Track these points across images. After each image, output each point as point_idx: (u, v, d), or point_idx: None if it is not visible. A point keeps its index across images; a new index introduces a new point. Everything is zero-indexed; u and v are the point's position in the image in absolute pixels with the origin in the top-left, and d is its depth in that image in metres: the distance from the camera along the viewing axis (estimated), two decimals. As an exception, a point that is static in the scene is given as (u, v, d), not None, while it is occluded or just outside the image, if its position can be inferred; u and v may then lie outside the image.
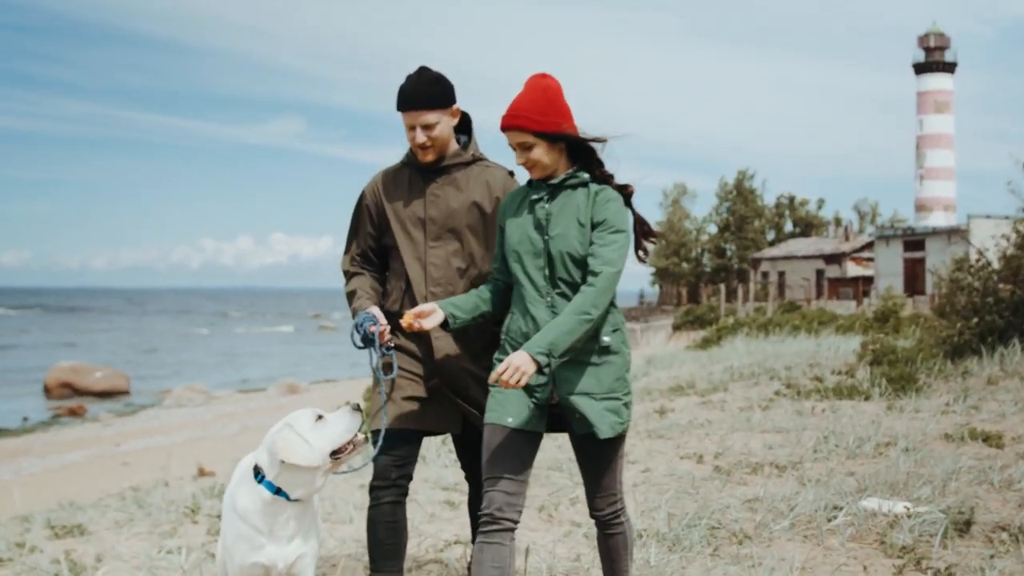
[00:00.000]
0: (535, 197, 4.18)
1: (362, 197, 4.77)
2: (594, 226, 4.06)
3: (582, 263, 4.05)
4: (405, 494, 4.54)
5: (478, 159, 4.65)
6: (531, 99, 4.10)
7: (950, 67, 71.89)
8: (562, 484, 7.41)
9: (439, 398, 4.54)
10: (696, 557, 5.42)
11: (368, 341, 4.39)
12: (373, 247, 4.73)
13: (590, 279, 3.99)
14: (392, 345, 4.51)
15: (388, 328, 4.45)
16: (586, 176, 4.13)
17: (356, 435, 4.01)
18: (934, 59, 71.91)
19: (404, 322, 4.23)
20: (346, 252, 4.78)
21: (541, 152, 4.08)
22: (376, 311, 4.49)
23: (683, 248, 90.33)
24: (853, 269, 67.97)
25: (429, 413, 4.54)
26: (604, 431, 4.01)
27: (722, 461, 8.12)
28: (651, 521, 6.15)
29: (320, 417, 4.01)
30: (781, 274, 72.12)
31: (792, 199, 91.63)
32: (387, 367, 4.47)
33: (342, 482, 8.24)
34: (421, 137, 4.49)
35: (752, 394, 12.56)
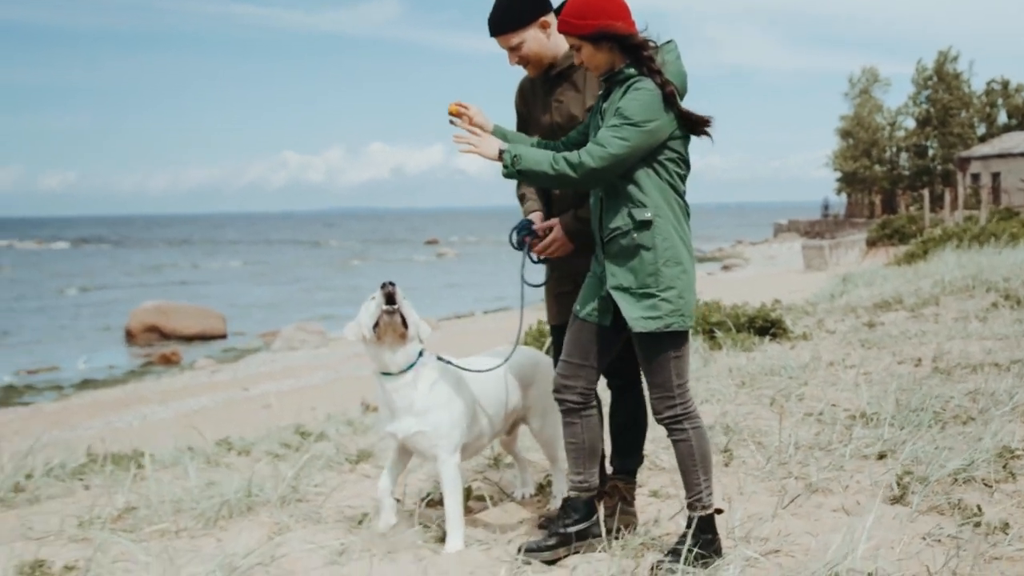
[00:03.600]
0: (599, 93, 5.08)
1: (515, 99, 5.75)
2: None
3: None
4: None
5: None
6: (574, 2, 4.84)
7: None
8: (784, 384, 9.42)
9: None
10: (924, 434, 7.35)
11: (523, 247, 5.46)
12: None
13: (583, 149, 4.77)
14: (542, 257, 5.52)
15: (540, 239, 5.39)
16: (632, 71, 4.82)
17: (381, 309, 5.28)
18: None
19: (451, 108, 5.20)
20: None
21: (588, 53, 4.85)
22: (536, 218, 5.39)
23: (874, 148, 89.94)
24: (1085, 167, 67.57)
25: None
26: (636, 325, 4.83)
27: (941, 363, 10.06)
28: (879, 407, 8.10)
29: (373, 298, 5.39)
30: (995, 176, 71.89)
31: (1006, 84, 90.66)
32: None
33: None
34: (512, 59, 5.39)
35: (967, 306, 14.45)
